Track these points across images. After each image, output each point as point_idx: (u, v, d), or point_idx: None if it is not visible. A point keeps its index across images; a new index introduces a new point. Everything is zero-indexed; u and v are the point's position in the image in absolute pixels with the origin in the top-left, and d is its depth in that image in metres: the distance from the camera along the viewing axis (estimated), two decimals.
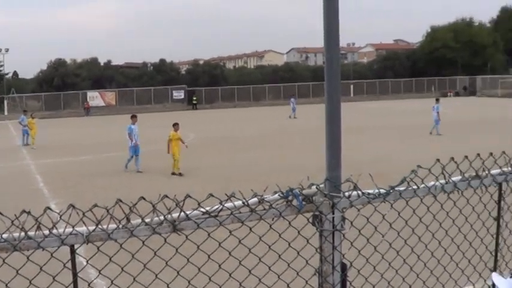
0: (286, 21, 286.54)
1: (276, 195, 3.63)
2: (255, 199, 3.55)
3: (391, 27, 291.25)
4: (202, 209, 3.38)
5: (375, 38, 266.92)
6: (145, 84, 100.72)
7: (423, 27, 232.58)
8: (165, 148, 28.09)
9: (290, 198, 3.63)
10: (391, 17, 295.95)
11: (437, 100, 44.74)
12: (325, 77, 3.85)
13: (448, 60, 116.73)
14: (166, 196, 3.27)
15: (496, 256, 5.05)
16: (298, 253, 3.87)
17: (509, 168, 4.78)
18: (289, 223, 3.73)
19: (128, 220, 3.21)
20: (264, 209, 3.54)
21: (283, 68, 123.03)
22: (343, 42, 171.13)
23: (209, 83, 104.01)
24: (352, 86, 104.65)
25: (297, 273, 4.00)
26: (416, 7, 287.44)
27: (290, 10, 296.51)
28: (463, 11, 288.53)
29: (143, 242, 3.33)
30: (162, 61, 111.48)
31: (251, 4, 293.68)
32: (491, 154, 4.61)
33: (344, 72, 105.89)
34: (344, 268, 3.90)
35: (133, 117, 29.81)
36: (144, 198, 3.20)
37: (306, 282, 4.07)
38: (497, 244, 5.01)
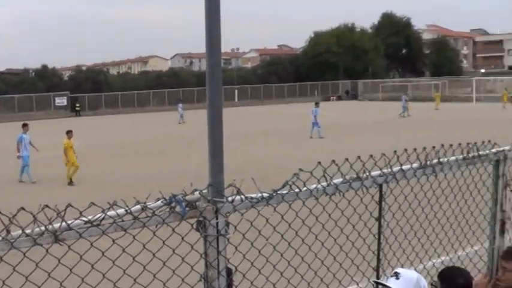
0: (171, 27, 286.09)
1: (159, 202, 3.60)
2: (138, 207, 3.51)
3: (274, 32, 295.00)
4: (84, 218, 3.32)
5: (258, 43, 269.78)
6: (26, 91, 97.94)
7: (307, 32, 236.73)
8: (60, 156, 27.58)
9: (173, 204, 3.61)
10: (275, 22, 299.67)
11: (316, 104, 45.73)
12: (206, 83, 3.87)
13: (331, 64, 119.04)
14: (46, 206, 3.20)
15: (378, 255, 5.17)
16: (182, 259, 3.86)
17: (389, 170, 4.91)
18: (173, 230, 3.71)
19: (8, 232, 3.12)
20: (147, 216, 3.51)
21: (167, 73, 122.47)
22: (227, 47, 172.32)
23: (92, 89, 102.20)
24: (236, 91, 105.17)
25: (182, 280, 3.98)
26: (299, 13, 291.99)
27: (174, 15, 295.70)
28: (346, 16, 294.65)
29: (24, 254, 3.24)
30: (44, 67, 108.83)
31: (134, 9, 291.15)
32: (371, 156, 4.72)
33: (228, 78, 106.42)
34: (229, 273, 3.91)
35: (25, 125, 29.22)
36: (24, 209, 3.12)
37: None
38: (379, 244, 5.14)
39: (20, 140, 28.44)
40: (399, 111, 62.24)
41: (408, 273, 4.31)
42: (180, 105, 67.32)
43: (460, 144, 5.63)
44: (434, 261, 6.28)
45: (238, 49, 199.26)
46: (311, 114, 44.33)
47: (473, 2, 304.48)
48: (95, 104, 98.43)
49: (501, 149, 5.99)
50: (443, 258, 6.28)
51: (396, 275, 4.26)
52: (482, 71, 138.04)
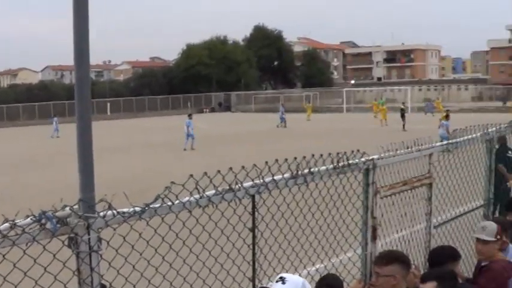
0: (40, 38, 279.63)
1: (29, 219, 3.50)
2: (6, 224, 3.41)
3: (147, 44, 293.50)
4: None
5: (131, 56, 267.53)
6: None
7: (179, 44, 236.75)
8: None
9: (43, 221, 3.52)
10: (147, 34, 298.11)
11: (189, 116, 45.80)
12: (75, 96, 3.79)
13: (204, 77, 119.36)
14: None
15: (253, 265, 5.21)
16: (55, 278, 3.76)
17: (261, 181, 4.96)
18: (44, 247, 3.61)
19: None
20: (17, 234, 3.41)
21: (37, 86, 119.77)
22: (98, 59, 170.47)
23: None
24: (109, 104, 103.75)
25: None
26: (172, 25, 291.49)
27: (44, 27, 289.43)
28: (218, 29, 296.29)
29: None
30: None
31: (1, 19, 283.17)
32: (243, 167, 4.76)
33: (100, 90, 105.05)
34: None
35: None
36: None
37: None
38: (253, 254, 5.17)
39: None
40: (276, 123, 63.09)
41: (294, 278, 4.40)
42: (55, 119, 65.80)
43: (330, 154, 5.75)
44: (309, 269, 6.38)
45: (110, 61, 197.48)
46: (185, 126, 44.52)
47: (343, 15, 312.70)
48: None
49: (370, 157, 6.16)
50: (317, 266, 6.38)
51: (282, 280, 4.33)
52: (352, 82, 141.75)
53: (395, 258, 5.23)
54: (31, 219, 3.51)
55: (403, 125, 52.38)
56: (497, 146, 10.78)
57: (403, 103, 67.79)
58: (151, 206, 4.02)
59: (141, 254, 4.23)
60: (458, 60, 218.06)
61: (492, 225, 6.36)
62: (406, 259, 5.33)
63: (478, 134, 8.63)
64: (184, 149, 42.09)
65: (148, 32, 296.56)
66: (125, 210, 3.89)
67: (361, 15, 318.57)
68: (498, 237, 6.23)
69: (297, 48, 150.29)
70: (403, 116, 53.56)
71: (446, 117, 39.91)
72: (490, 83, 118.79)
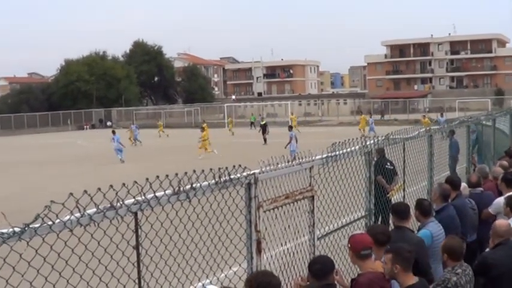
0: None
1: None
2: None
3: (24, 60, 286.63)
4: None
5: (7, 71, 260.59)
6: None
7: (57, 60, 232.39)
8: None
9: None
10: (24, 49, 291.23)
11: (113, 132, 47.14)
12: None
13: (83, 93, 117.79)
14: None
15: (139, 283, 5.17)
16: None
17: (143, 197, 4.93)
18: None
19: None
20: None
21: None
22: None
23: None
24: None
25: None
26: (50, 40, 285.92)
27: None
28: (97, 44, 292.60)
29: None
30: None
31: None
32: (124, 185, 4.73)
33: None
34: None
35: None
36: None
37: None
38: (139, 272, 5.14)
39: None
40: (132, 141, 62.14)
41: None
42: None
43: (211, 169, 5.78)
44: (195, 285, 6.38)
45: None
46: (113, 141, 45.70)
47: (222, 31, 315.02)
48: None
49: (252, 172, 6.23)
50: (204, 281, 6.39)
51: None
52: (233, 97, 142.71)
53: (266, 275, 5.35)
54: None
55: (265, 139, 53.21)
56: (375, 158, 11.11)
57: (262, 117, 70.45)
58: (31, 226, 3.94)
59: (22, 276, 4.14)
60: (337, 75, 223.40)
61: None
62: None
63: (357, 146, 8.84)
64: (123, 161, 43.07)
65: (25, 47, 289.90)
66: (4, 230, 3.81)
67: (241, 30, 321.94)
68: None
69: (177, 64, 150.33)
70: (264, 130, 54.18)
71: (290, 128, 41.47)
72: (368, 97, 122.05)
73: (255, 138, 57.14)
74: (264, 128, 55.53)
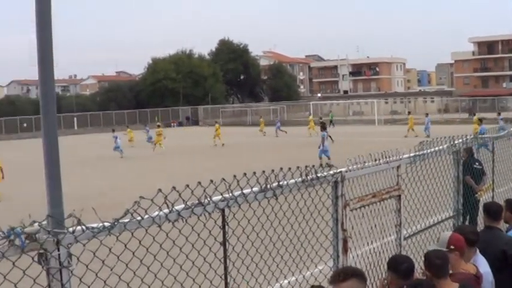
0: (5, 52, 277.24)
1: None
2: None
3: (112, 59, 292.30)
4: None
5: (96, 70, 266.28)
6: None
7: (145, 59, 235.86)
8: None
9: (12, 237, 3.48)
10: (112, 48, 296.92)
11: (113, 131, 53.88)
12: (41, 112, 3.76)
13: (170, 91, 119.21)
14: None
15: (226, 279, 5.19)
16: None
17: (230, 194, 4.95)
18: (13, 263, 3.57)
19: None
20: None
21: (4, 101, 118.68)
22: (64, 74, 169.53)
23: None
24: (75, 119, 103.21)
25: None
26: (137, 39, 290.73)
27: (9, 40, 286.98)
28: (184, 43, 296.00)
29: None
30: None
31: None
32: (211, 181, 4.75)
33: (67, 105, 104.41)
34: None
35: None
36: None
37: None
38: (225, 268, 5.16)
39: None
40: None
41: None
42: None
43: (298, 167, 5.75)
44: (281, 282, 6.38)
45: (76, 76, 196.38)
46: (115, 139, 50.95)
47: (308, 29, 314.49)
48: None
49: (338, 170, 6.18)
50: (289, 279, 6.38)
51: None
52: (319, 95, 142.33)
53: (351, 273, 5.20)
54: None
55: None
56: (463, 158, 10.88)
57: (321, 117, 72.60)
58: (120, 221, 3.99)
59: (111, 269, 4.20)
60: (424, 73, 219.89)
61: (444, 236, 6.29)
62: (362, 273, 5.31)
63: (445, 145, 8.68)
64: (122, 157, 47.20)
65: (114, 46, 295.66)
66: (94, 225, 3.87)
67: (326, 28, 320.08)
68: (452, 247, 6.14)
69: (263, 62, 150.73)
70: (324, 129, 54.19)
71: (323, 128, 40.71)
72: (455, 95, 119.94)
73: (334, 136, 56.84)
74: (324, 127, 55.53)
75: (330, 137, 38.35)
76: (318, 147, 37.50)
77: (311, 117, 73.68)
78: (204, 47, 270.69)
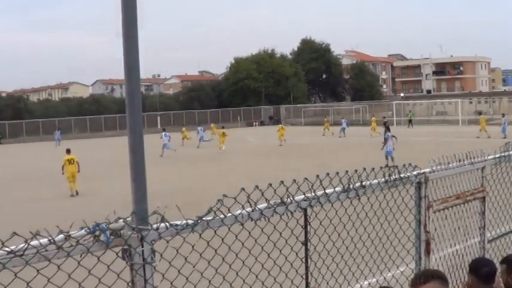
0: (90, 52, 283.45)
1: (83, 231, 3.53)
2: (61, 236, 3.44)
3: (195, 58, 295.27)
4: (6, 249, 3.23)
5: (179, 69, 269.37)
6: None
7: (227, 58, 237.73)
8: None
9: (97, 233, 3.55)
10: (195, 48, 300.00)
11: (164, 130, 55.97)
12: (126, 110, 3.83)
13: (253, 90, 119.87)
14: None
15: (306, 279, 5.18)
16: None
17: (313, 194, 4.94)
18: (98, 259, 3.64)
19: None
20: (71, 246, 3.44)
21: (88, 100, 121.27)
22: (148, 73, 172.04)
23: (13, 116, 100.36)
24: (159, 118, 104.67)
25: None
26: (220, 39, 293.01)
27: (94, 41, 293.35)
28: (265, 42, 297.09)
29: None
30: None
31: (54, 35, 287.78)
32: (294, 181, 4.74)
33: (150, 104, 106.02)
34: None
35: None
36: None
37: None
38: (307, 268, 5.15)
39: None
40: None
41: None
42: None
43: (381, 167, 5.71)
44: (361, 283, 6.33)
45: (159, 75, 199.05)
46: (164, 137, 52.96)
47: (390, 28, 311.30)
48: (15, 131, 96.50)
49: (422, 171, 6.10)
50: (370, 280, 6.33)
51: None
52: (402, 95, 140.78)
53: (432, 275, 5.11)
54: (85, 231, 3.54)
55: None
56: None
57: (384, 117, 72.99)
58: (203, 218, 4.03)
59: (194, 266, 4.23)
60: (509, 72, 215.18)
61: None
62: (444, 276, 5.21)
63: None
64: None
65: (197, 45, 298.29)
66: (178, 222, 3.91)
67: (409, 27, 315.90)
68: None
69: (345, 61, 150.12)
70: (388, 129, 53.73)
71: (388, 129, 40.25)
72: None
73: (415, 136, 56.09)
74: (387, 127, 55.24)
75: (394, 136, 38.02)
76: (382, 148, 37.34)
77: (374, 118, 73.31)
78: (286, 46, 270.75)
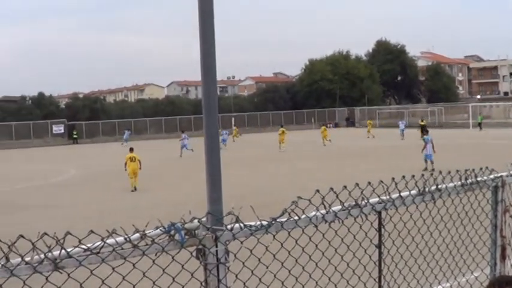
0: (166, 55, 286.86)
1: (158, 230, 3.58)
2: (137, 235, 3.49)
3: (270, 60, 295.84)
4: (83, 246, 3.30)
5: (254, 71, 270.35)
6: (24, 118, 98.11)
7: (301, 60, 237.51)
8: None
9: (172, 232, 3.59)
10: (270, 50, 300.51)
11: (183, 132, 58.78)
12: (203, 111, 3.87)
13: (327, 92, 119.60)
14: (46, 234, 3.19)
15: (380, 283, 5.15)
16: (183, 287, 3.84)
17: (388, 197, 4.90)
18: (173, 258, 3.68)
19: (7, 259, 3.10)
20: (147, 245, 3.49)
21: (164, 101, 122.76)
22: (223, 75, 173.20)
23: (89, 117, 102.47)
24: (233, 119, 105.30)
25: None
26: (294, 40, 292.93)
27: (169, 43, 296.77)
28: (340, 44, 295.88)
29: (24, 282, 3.22)
30: (41, 95, 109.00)
31: (130, 37, 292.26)
32: (369, 183, 4.71)
33: (225, 106, 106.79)
34: None
35: None
36: (23, 236, 3.10)
37: None
38: (380, 271, 5.11)
39: None
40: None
41: None
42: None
43: (458, 171, 5.63)
44: None
45: (234, 77, 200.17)
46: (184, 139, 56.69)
47: (467, 29, 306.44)
48: (92, 131, 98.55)
49: (499, 174, 5.99)
50: (444, 284, 6.25)
51: None
52: (478, 97, 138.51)
53: (507, 282, 4.99)
54: (160, 230, 3.59)
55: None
56: None
57: (422, 119, 72.48)
58: (278, 220, 4.04)
59: (267, 267, 4.25)
60: None
61: None
62: None
63: None
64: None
65: (271, 47, 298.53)
66: (252, 223, 3.93)
67: (486, 28, 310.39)
68: None
69: (421, 63, 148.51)
70: (423, 131, 52.70)
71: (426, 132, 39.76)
72: None
73: (490, 139, 55.08)
74: (423, 129, 54.54)
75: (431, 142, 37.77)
76: (421, 151, 36.90)
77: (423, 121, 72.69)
78: (360, 47, 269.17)
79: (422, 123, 64.87)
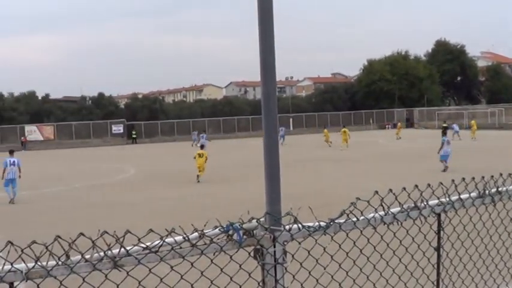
0: (224, 55, 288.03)
1: (217, 230, 3.60)
2: (196, 234, 3.52)
3: (328, 60, 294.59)
4: (142, 245, 3.34)
5: (312, 72, 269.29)
6: (84, 118, 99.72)
7: (360, 60, 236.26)
8: None
9: (231, 232, 3.62)
10: (328, 50, 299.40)
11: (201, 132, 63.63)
12: (262, 112, 3.88)
13: (385, 92, 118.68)
14: (106, 232, 3.23)
15: (438, 286, 5.10)
16: (240, 287, 3.85)
17: (447, 199, 4.85)
18: (231, 257, 3.71)
19: (68, 257, 3.16)
20: (205, 244, 3.52)
21: (222, 101, 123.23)
22: (281, 75, 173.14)
23: (148, 117, 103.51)
24: (291, 120, 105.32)
25: None
26: (352, 40, 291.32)
27: (228, 44, 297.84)
28: (398, 44, 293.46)
29: (83, 279, 3.28)
30: (101, 95, 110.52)
31: (188, 38, 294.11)
32: (429, 185, 4.67)
33: (283, 106, 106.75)
34: None
35: (11, 152, 32.32)
36: (83, 234, 3.16)
37: None
38: (438, 274, 5.07)
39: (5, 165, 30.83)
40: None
41: None
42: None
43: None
44: None
45: (292, 77, 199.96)
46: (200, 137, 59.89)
47: None
48: (151, 131, 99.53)
49: None
50: None
51: None
52: None
53: None
54: (219, 229, 3.61)
55: None
56: None
57: (444, 121, 73.57)
58: (336, 221, 4.03)
59: (324, 269, 4.24)
60: None
61: None
62: None
63: None
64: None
65: (330, 47, 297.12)
66: (310, 224, 3.93)
67: None
68: None
69: (481, 63, 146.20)
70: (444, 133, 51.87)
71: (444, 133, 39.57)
72: None
73: None
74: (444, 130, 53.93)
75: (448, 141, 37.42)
76: (438, 152, 36.49)
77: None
78: (420, 47, 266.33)
79: (444, 125, 64.52)
